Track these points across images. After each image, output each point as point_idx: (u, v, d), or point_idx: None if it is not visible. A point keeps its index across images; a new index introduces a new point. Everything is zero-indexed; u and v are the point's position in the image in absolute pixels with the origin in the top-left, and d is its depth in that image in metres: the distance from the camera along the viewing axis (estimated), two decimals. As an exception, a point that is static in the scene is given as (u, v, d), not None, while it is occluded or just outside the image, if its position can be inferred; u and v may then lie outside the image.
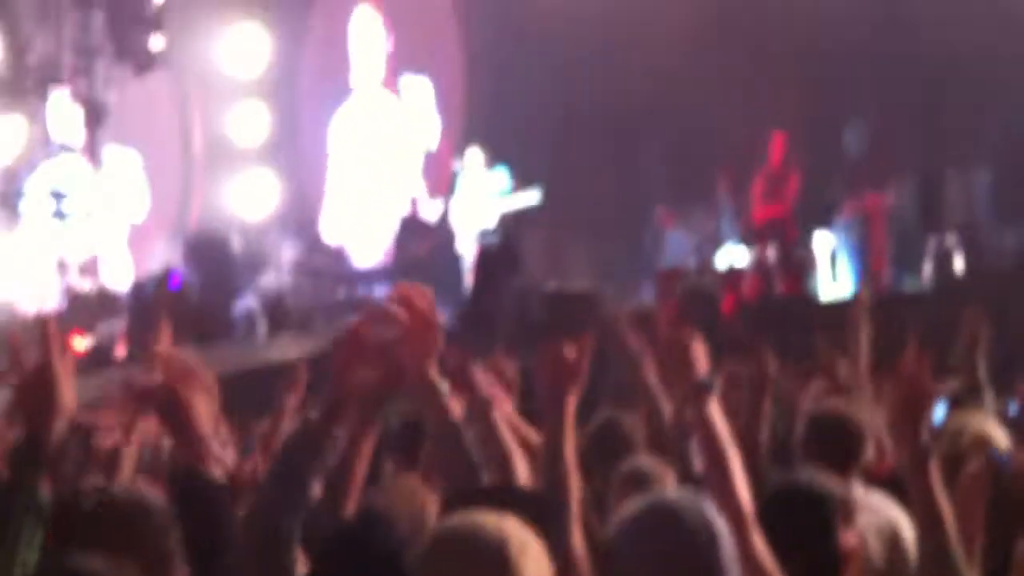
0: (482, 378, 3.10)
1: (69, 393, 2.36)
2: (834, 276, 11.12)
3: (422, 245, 12.78)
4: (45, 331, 2.37)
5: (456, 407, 2.68)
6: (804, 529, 2.83)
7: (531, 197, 12.23)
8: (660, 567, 2.29)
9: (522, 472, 2.95)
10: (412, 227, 13.18)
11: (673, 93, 13.64)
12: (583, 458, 3.39)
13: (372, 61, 16.24)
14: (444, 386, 2.63)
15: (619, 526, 2.42)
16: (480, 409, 2.98)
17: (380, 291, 13.59)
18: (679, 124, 13.71)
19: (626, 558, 2.20)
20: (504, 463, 2.90)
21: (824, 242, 11.45)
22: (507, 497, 2.47)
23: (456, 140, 14.50)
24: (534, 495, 2.79)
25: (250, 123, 16.05)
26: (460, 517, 2.16)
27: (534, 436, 3.48)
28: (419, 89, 15.61)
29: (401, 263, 12.86)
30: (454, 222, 12.68)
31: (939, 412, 4.20)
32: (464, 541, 2.08)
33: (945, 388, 4.92)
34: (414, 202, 13.65)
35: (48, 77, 14.38)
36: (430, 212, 13.44)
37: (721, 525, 2.37)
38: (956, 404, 4.77)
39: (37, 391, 2.34)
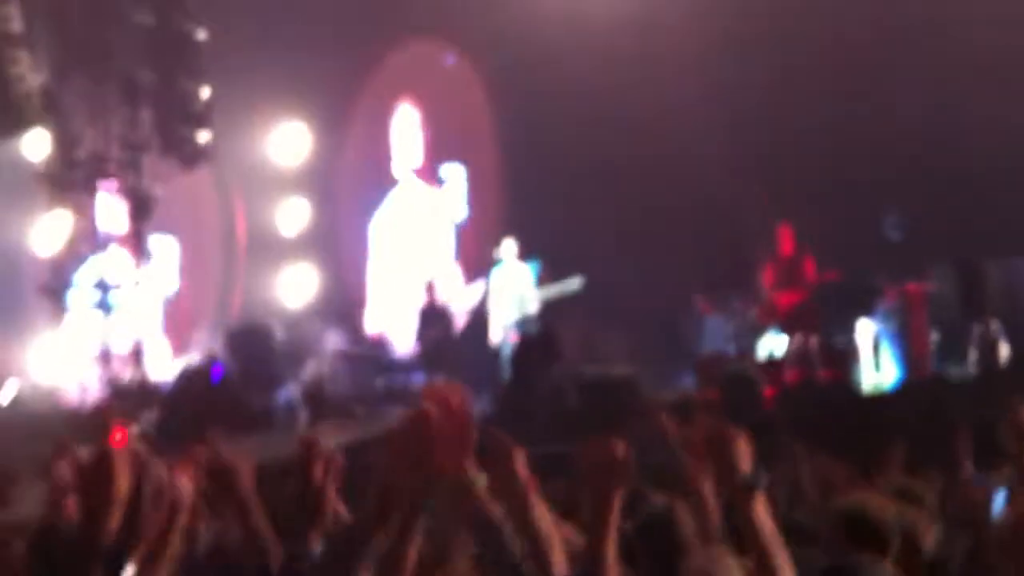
0: (524, 463, 3.00)
1: (125, 482, 2.37)
2: (877, 364, 11.04)
3: (438, 331, 12.86)
4: (104, 419, 2.39)
5: (495, 503, 2.62)
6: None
7: (572, 284, 12.29)
8: None
9: (559, 563, 2.87)
10: (429, 315, 13.28)
11: (709, 184, 13.74)
12: (630, 551, 3.40)
13: (412, 155, 16.60)
14: (482, 480, 2.60)
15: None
16: (521, 495, 2.90)
17: (418, 379, 13.64)
18: (716, 214, 13.78)
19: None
20: (542, 552, 2.82)
21: (866, 330, 11.38)
22: None
23: (492, 230, 14.64)
24: None
25: (291, 215, 16.33)
26: None
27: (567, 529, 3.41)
28: (456, 178, 15.88)
29: (425, 351, 12.92)
30: (490, 311, 12.73)
31: (999, 501, 4.15)
32: None
33: (1000, 476, 4.85)
34: (429, 289, 13.75)
35: (96, 171, 14.65)
36: (465, 300, 13.49)
37: None
38: (1012, 491, 4.67)
39: (95, 480, 2.34)
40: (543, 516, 2.90)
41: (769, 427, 9.72)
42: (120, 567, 2.49)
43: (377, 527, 2.50)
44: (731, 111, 13.69)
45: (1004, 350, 10.49)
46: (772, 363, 11.11)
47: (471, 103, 15.10)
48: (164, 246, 15.28)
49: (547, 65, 14.44)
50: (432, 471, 2.55)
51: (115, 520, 2.35)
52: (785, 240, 11.55)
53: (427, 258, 16.39)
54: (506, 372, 11.62)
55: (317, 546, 2.97)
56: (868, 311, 11.49)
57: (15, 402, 13.51)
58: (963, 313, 11.51)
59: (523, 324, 12.14)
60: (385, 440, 2.57)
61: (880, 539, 3.67)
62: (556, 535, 2.92)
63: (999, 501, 4.35)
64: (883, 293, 11.46)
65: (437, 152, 16.42)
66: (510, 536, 2.62)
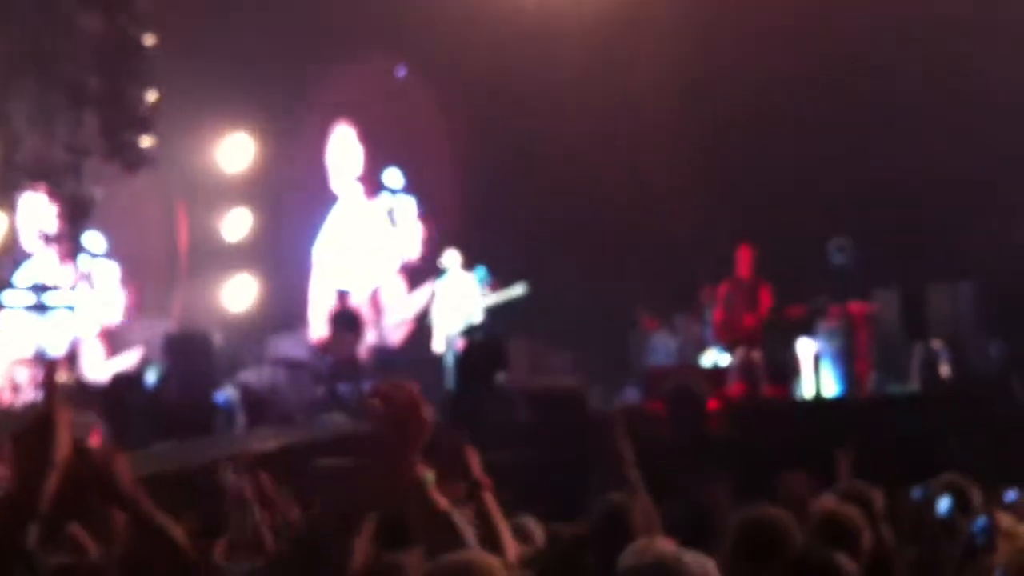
0: (476, 461, 3.15)
1: (65, 447, 2.24)
2: (817, 381, 11.11)
3: (353, 338, 12.81)
4: (49, 377, 2.29)
5: (441, 498, 2.61)
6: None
7: (517, 290, 12.27)
8: None
9: (511, 552, 3.01)
10: (340, 321, 13.23)
11: (657, 203, 13.83)
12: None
13: (351, 173, 16.64)
14: (430, 477, 2.58)
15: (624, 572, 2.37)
16: (474, 491, 3.06)
17: (359, 389, 13.53)
18: (662, 233, 13.86)
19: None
20: (496, 543, 2.93)
21: (807, 348, 11.46)
22: None
23: (437, 243, 14.63)
24: None
25: (234, 223, 16.23)
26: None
27: None
28: (400, 200, 15.91)
29: (337, 358, 12.84)
30: (433, 320, 12.66)
31: (943, 506, 4.20)
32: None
33: (938, 485, 4.90)
34: (341, 296, 13.66)
35: (36, 174, 14.42)
36: (408, 308, 13.38)
37: None
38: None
39: (34, 440, 2.22)
40: (495, 510, 3.01)
41: (709, 442, 9.76)
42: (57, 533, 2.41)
43: (337, 530, 2.41)
44: (685, 132, 13.81)
45: (945, 370, 10.60)
46: (716, 374, 11.14)
47: (420, 115, 15.08)
48: (103, 249, 15.06)
49: (498, 78, 14.49)
50: (387, 472, 2.48)
51: (52, 485, 2.22)
52: (744, 261, 11.59)
53: (369, 268, 16.36)
54: (451, 380, 11.55)
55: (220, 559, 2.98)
56: (808, 330, 11.59)
57: (-56, 401, 13.20)
58: (905, 333, 11.64)
59: (469, 332, 12.08)
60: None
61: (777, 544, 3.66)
62: (507, 528, 3.04)
63: (944, 506, 4.39)
64: (825, 314, 11.55)
65: (379, 166, 16.39)
66: (462, 528, 2.63)
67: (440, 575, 2.14)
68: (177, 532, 2.54)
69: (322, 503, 2.47)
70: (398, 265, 16.01)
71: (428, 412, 2.50)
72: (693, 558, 2.38)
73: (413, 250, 15.86)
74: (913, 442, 9.08)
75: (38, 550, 2.20)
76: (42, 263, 14.02)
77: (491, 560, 2.07)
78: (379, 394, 2.49)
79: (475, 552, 2.16)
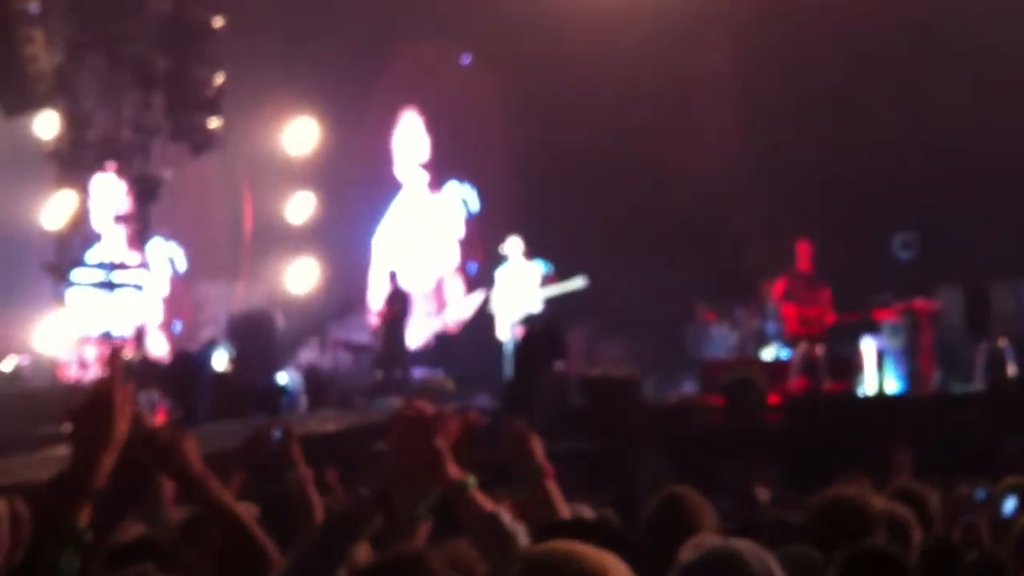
0: (539, 448, 3.12)
1: (123, 425, 2.27)
2: (880, 378, 11.02)
3: (397, 312, 12.93)
4: (113, 356, 2.30)
5: (487, 500, 2.63)
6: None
7: (577, 283, 12.27)
8: None
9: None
10: (391, 298, 13.32)
11: (718, 195, 13.76)
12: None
13: (414, 161, 16.71)
14: (472, 480, 2.60)
15: (683, 568, 2.37)
16: (537, 478, 3.06)
17: (417, 373, 13.63)
18: (723, 226, 13.79)
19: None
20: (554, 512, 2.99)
21: (870, 345, 11.37)
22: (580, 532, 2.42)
23: (498, 236, 14.67)
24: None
25: (298, 206, 16.36)
26: (557, 544, 2.05)
27: None
28: (461, 191, 16.01)
29: (386, 332, 12.93)
30: (494, 309, 12.71)
31: (1010, 505, 4.15)
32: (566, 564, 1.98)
33: (1002, 488, 4.86)
34: (392, 277, 13.69)
35: (105, 153, 14.63)
36: (463, 309, 13.38)
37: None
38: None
39: (93, 419, 2.24)
40: (558, 497, 3.06)
41: (765, 435, 9.72)
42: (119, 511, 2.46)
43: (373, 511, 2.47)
44: (746, 125, 13.71)
45: (1012, 369, 10.47)
46: (777, 368, 11.08)
47: (484, 104, 15.10)
48: (171, 230, 15.26)
49: (562, 69, 14.47)
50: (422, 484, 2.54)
51: (108, 463, 2.25)
52: (803, 256, 11.48)
53: (430, 258, 16.43)
54: (509, 368, 11.59)
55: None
56: (872, 328, 11.49)
57: (14, 376, 13.46)
58: (968, 332, 11.50)
59: (528, 320, 12.12)
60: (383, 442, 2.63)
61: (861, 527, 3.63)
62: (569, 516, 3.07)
63: (1009, 507, 4.32)
64: (891, 310, 11.43)
65: (446, 154, 16.44)
66: (511, 524, 2.59)
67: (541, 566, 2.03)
68: (243, 511, 2.58)
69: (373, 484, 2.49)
70: (458, 263, 16.09)
71: (450, 429, 2.58)
72: (754, 553, 2.37)
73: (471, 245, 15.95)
74: (975, 442, 9.01)
75: (88, 528, 2.20)
76: (111, 243, 14.22)
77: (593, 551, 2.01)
78: (397, 420, 2.54)
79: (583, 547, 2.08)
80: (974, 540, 4.28)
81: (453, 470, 2.53)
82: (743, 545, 2.39)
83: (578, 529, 2.46)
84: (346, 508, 2.50)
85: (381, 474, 2.51)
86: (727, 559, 2.32)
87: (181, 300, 15.46)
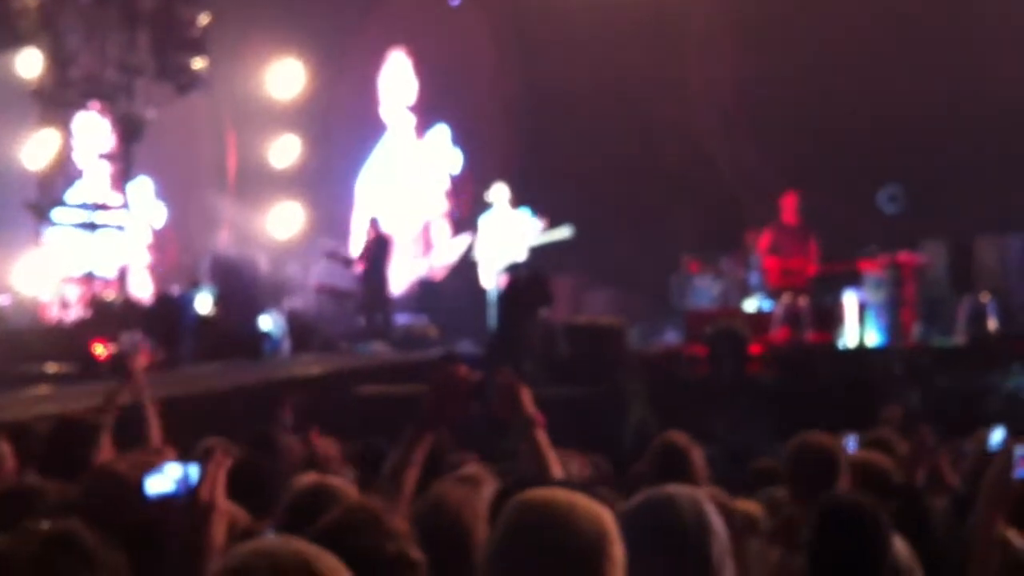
0: (529, 398, 3.18)
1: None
2: (861, 330, 11.04)
3: (376, 256, 12.88)
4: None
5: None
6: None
7: (563, 232, 12.22)
8: (657, 553, 2.30)
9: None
10: (372, 247, 13.21)
11: (706, 146, 13.72)
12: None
13: (401, 104, 16.55)
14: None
15: (622, 515, 2.38)
16: (527, 427, 3.14)
17: (401, 320, 13.61)
18: (709, 177, 13.76)
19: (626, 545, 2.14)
20: (545, 468, 3.09)
21: (852, 298, 11.38)
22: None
23: (484, 182, 14.61)
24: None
25: (282, 150, 16.26)
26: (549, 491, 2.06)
27: None
28: (445, 135, 15.88)
29: (366, 277, 12.89)
30: (478, 256, 12.67)
31: (997, 437, 4.15)
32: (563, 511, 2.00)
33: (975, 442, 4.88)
34: (373, 223, 13.56)
35: (89, 92, 14.49)
36: (450, 253, 13.27)
37: (718, 521, 2.36)
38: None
39: None
40: (547, 446, 3.16)
41: (749, 385, 9.78)
42: None
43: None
44: (735, 78, 13.65)
45: (993, 323, 10.51)
46: (760, 319, 11.10)
47: (473, 46, 14.98)
48: (153, 170, 15.16)
49: (552, 14, 14.35)
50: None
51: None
52: (789, 208, 11.46)
53: (414, 203, 16.36)
54: (493, 316, 11.58)
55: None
56: (855, 280, 11.49)
57: (-5, 316, 13.43)
58: (951, 286, 11.53)
59: (513, 268, 12.08)
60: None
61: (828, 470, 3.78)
62: (557, 463, 3.17)
63: (996, 438, 4.25)
64: (875, 262, 11.43)
65: (432, 97, 16.32)
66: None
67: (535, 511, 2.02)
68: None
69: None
70: (445, 208, 16.01)
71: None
72: (687, 496, 2.39)
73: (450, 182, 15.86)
74: (956, 395, 9.06)
75: None
76: (93, 183, 14.11)
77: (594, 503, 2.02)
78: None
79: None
80: (938, 480, 4.31)
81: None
82: (677, 490, 2.42)
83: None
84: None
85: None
86: (661, 504, 2.37)
87: (164, 242, 15.38)
